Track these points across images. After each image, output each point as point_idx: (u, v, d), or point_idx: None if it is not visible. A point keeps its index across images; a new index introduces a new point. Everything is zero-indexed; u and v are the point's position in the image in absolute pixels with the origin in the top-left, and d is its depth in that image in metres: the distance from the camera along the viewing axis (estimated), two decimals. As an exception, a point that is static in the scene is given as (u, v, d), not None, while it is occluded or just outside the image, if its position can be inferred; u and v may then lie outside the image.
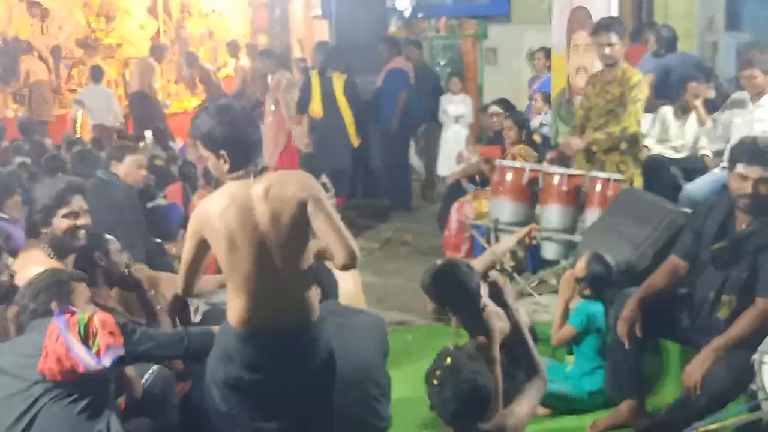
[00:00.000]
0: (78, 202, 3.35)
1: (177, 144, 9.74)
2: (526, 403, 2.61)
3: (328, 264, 3.28)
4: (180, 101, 13.38)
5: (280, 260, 2.57)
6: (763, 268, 3.23)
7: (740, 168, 3.29)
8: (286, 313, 2.61)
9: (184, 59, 11.48)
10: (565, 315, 4.06)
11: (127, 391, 3.05)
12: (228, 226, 2.54)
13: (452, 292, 3.06)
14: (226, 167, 2.64)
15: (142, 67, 10.87)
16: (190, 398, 3.44)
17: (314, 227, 2.57)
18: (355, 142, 7.81)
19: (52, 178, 3.53)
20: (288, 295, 2.61)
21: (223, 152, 2.63)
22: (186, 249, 2.71)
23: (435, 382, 2.42)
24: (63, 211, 3.30)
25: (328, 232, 2.55)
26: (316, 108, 7.75)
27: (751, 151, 3.32)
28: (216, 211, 2.57)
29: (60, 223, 3.29)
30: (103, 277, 3.68)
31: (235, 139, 2.64)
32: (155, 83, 10.94)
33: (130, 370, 3.10)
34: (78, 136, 9.47)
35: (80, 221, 3.31)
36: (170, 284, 4.07)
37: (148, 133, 9.82)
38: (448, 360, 2.44)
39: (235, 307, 2.60)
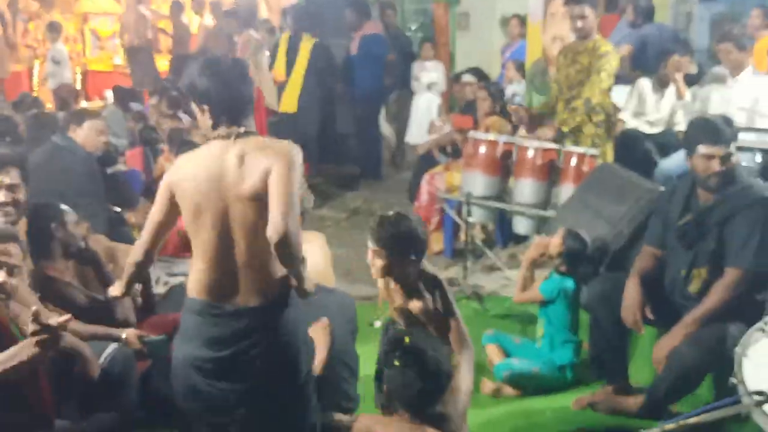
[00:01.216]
0: (5, 176, 3.12)
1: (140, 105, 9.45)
2: (469, 378, 2.63)
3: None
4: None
5: (244, 233, 2.41)
6: (730, 238, 3.25)
7: (703, 149, 3.29)
8: (247, 288, 2.45)
9: (172, 9, 11.01)
10: (529, 277, 4.07)
11: (83, 372, 2.89)
12: (197, 188, 2.41)
13: (403, 235, 2.81)
14: (209, 122, 2.52)
15: (136, 17, 10.46)
16: (150, 380, 3.30)
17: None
18: (290, 107, 7.56)
19: None
20: (251, 270, 2.44)
21: (204, 106, 2.52)
22: (155, 209, 2.52)
23: (396, 363, 2.34)
24: None
25: (271, 200, 2.33)
26: (279, 70, 7.54)
27: (711, 130, 3.33)
28: (189, 170, 2.44)
29: None
30: (60, 249, 3.52)
31: (218, 94, 2.51)
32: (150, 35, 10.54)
33: (86, 349, 2.96)
34: (35, 95, 9.13)
35: (1, 196, 3.08)
36: (126, 256, 3.92)
37: (108, 93, 9.51)
38: (407, 340, 2.39)
39: (195, 276, 2.48)
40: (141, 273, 2.64)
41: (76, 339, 2.89)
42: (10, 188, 3.14)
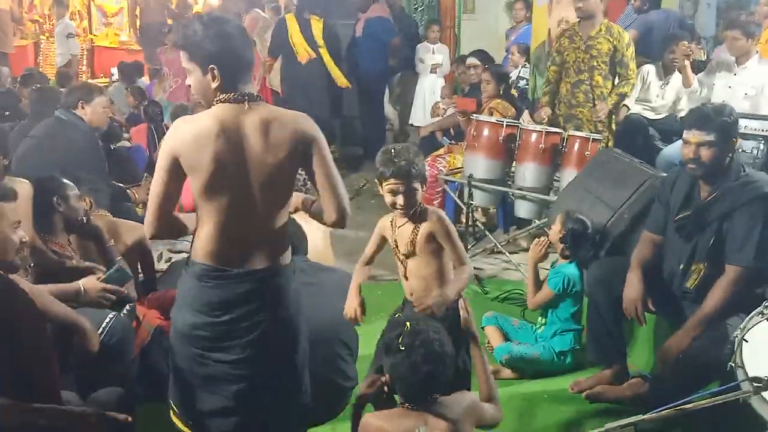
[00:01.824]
0: None
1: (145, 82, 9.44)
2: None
3: (298, 219, 3.19)
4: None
5: (262, 198, 2.38)
6: (730, 234, 3.22)
7: (686, 134, 3.29)
8: (257, 253, 2.43)
9: None
10: (536, 278, 4.00)
11: (81, 346, 2.89)
12: (214, 150, 2.30)
13: (416, 162, 2.83)
14: (215, 85, 2.37)
15: None
16: (149, 355, 3.31)
17: (314, 175, 2.42)
18: (345, 83, 7.57)
19: None
20: (262, 236, 2.43)
21: (213, 66, 2.35)
22: (157, 179, 2.36)
23: (402, 348, 2.33)
24: None
25: (325, 185, 2.42)
26: (302, 52, 7.44)
27: (697, 116, 3.31)
28: (200, 132, 2.31)
29: None
30: (61, 223, 3.53)
31: (230, 54, 2.36)
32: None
33: (84, 323, 2.94)
34: (40, 69, 9.12)
35: None
36: (131, 233, 3.94)
37: (114, 70, 9.49)
38: (408, 326, 2.38)
39: (202, 240, 2.40)
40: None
41: (74, 313, 2.89)
42: None
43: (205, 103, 2.45)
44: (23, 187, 3.03)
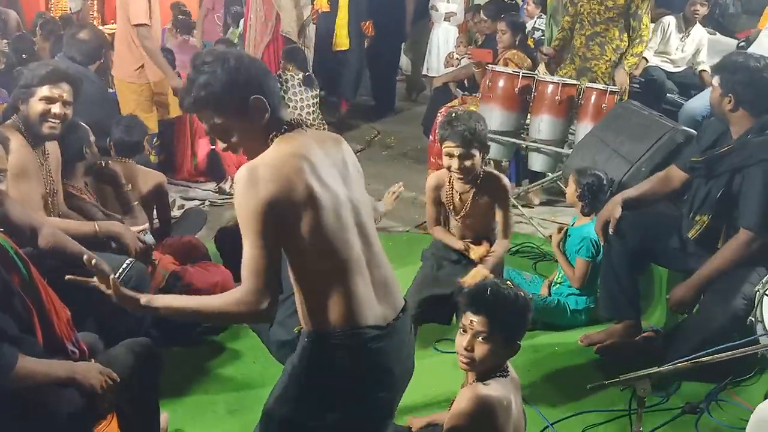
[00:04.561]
0: (60, 90, 3.11)
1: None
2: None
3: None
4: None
5: (372, 232, 2.02)
6: (743, 194, 3.15)
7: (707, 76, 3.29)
8: (391, 296, 2.03)
9: None
10: (566, 260, 3.95)
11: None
12: (332, 197, 1.90)
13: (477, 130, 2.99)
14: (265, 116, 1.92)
15: None
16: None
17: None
18: (343, 45, 7.44)
19: (42, 61, 3.23)
20: (387, 274, 2.04)
21: (255, 97, 1.90)
22: (259, 251, 1.83)
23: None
24: (42, 93, 3.07)
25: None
26: (323, 0, 7.28)
27: (722, 64, 3.31)
28: (306, 183, 1.85)
29: (35, 104, 3.07)
30: (82, 168, 3.54)
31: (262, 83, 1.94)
32: None
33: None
34: (52, 14, 9.01)
35: (56, 108, 3.10)
36: (149, 179, 3.94)
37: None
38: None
39: (343, 306, 1.90)
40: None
41: (79, 246, 2.88)
42: (65, 104, 3.13)
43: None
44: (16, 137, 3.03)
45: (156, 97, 5.27)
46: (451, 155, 2.97)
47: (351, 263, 1.92)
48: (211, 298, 1.95)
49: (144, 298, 1.95)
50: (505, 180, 3.10)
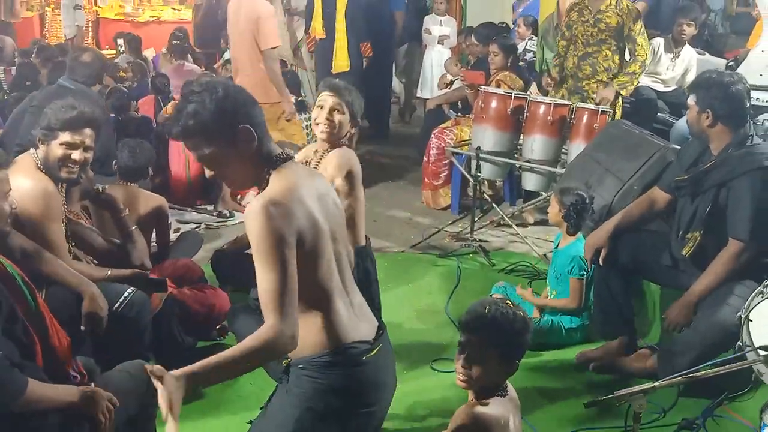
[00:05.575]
0: (82, 137, 3.05)
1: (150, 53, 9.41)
2: None
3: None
4: (152, 9, 12.87)
5: (346, 261, 2.11)
6: (730, 206, 3.20)
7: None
8: (367, 315, 2.14)
9: None
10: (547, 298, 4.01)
11: (89, 310, 2.82)
12: (326, 221, 1.98)
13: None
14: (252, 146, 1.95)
15: None
16: (160, 322, 3.35)
17: None
18: (343, 66, 7.46)
19: (67, 101, 3.18)
20: (360, 298, 2.15)
21: (243, 126, 1.92)
22: (282, 269, 1.84)
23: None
24: (63, 138, 3.01)
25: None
26: (318, 27, 7.30)
27: (695, 83, 3.42)
28: (310, 214, 1.93)
29: (56, 149, 3.02)
30: (78, 193, 3.54)
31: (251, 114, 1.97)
32: None
33: (90, 285, 2.86)
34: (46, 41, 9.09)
35: (76, 155, 3.08)
36: (149, 202, 3.96)
37: (120, 41, 9.45)
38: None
39: (334, 323, 1.98)
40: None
41: (80, 276, 2.89)
42: (86, 149, 3.08)
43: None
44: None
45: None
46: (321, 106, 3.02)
47: (335, 289, 2.00)
48: (240, 344, 1.89)
49: (179, 373, 1.84)
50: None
